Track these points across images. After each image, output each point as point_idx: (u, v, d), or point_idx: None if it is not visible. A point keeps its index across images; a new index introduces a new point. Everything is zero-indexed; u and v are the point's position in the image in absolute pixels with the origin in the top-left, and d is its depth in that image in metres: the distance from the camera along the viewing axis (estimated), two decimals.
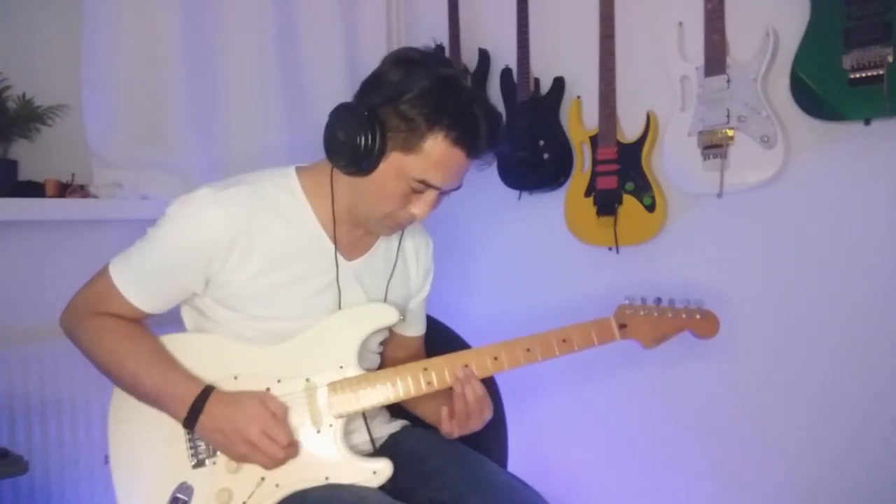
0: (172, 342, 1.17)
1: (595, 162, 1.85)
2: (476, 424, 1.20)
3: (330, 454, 1.14)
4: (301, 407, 1.15)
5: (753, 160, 1.56)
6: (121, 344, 1.13)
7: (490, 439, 1.38)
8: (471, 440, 1.27)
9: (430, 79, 1.05)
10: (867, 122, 1.43)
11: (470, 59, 2.20)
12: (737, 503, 1.73)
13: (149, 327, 1.19)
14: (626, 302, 1.28)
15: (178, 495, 1.11)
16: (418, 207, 1.12)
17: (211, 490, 1.12)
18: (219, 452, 1.13)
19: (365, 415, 1.23)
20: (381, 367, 1.30)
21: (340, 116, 1.10)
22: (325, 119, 1.13)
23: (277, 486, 1.12)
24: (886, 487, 1.49)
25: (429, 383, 1.19)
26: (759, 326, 1.67)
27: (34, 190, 1.74)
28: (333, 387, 1.16)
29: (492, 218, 2.21)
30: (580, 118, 1.94)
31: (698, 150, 1.63)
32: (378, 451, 1.25)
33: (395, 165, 1.07)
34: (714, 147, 1.60)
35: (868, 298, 1.51)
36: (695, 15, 1.66)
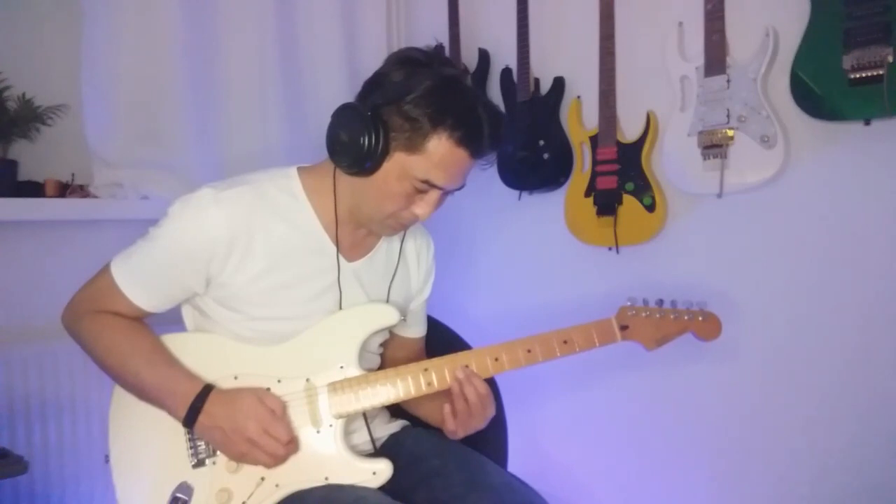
0: (173, 341, 1.17)
1: (595, 162, 1.85)
2: (479, 423, 1.20)
3: (330, 454, 1.14)
4: (301, 407, 1.15)
5: (753, 160, 1.56)
6: (122, 342, 1.13)
7: (490, 440, 1.38)
8: (471, 441, 1.27)
9: (434, 79, 1.05)
10: (867, 122, 1.43)
11: (470, 59, 2.20)
12: (736, 502, 1.73)
13: (151, 326, 1.19)
14: (628, 303, 1.28)
15: (178, 495, 1.11)
16: (421, 208, 1.12)
17: (211, 490, 1.12)
18: (219, 452, 1.13)
19: (365, 415, 1.23)
20: (381, 368, 1.30)
21: (343, 116, 1.09)
22: (325, 119, 1.13)
23: (277, 486, 1.12)
24: (888, 488, 1.49)
25: (429, 384, 1.19)
26: (759, 326, 1.67)
27: (34, 190, 1.75)
28: (334, 387, 1.16)
29: (492, 218, 2.21)
30: (580, 118, 1.94)
31: (698, 150, 1.63)
32: (378, 451, 1.25)
33: (399, 166, 1.07)
34: (714, 147, 1.61)
35: (868, 298, 1.51)
36: (695, 15, 1.66)
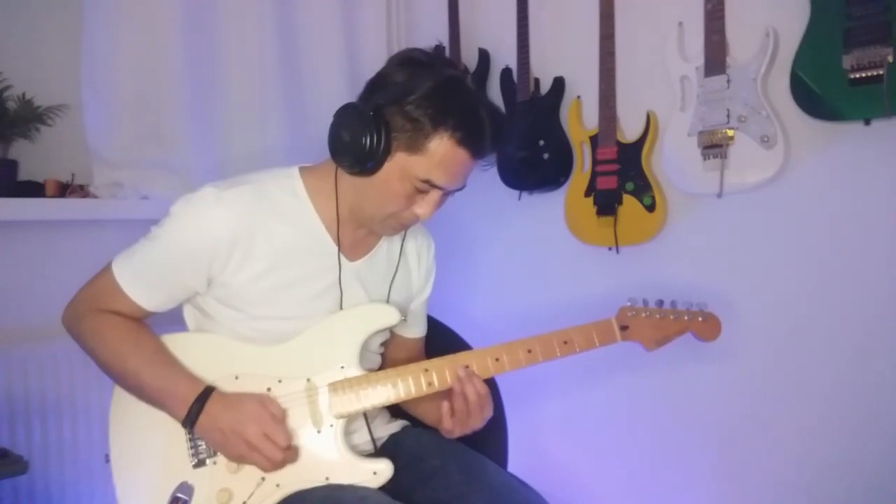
0: (174, 342, 1.17)
1: (595, 162, 1.85)
2: (477, 423, 1.20)
3: (330, 454, 1.14)
4: (302, 407, 1.15)
5: (753, 160, 1.56)
6: (123, 342, 1.13)
7: (490, 440, 1.38)
8: (471, 440, 1.27)
9: (435, 79, 1.06)
10: (867, 122, 1.43)
11: (470, 59, 2.20)
12: (736, 502, 1.73)
13: (151, 326, 1.19)
14: (628, 303, 1.28)
15: (179, 495, 1.11)
16: (422, 208, 1.12)
17: (211, 490, 1.12)
18: (219, 452, 1.13)
19: (366, 415, 1.23)
20: (381, 368, 1.30)
21: (345, 116, 1.10)
22: (325, 119, 1.13)
23: (278, 486, 1.12)
24: (888, 488, 1.49)
25: (429, 384, 1.19)
26: (759, 326, 1.67)
27: (34, 190, 1.74)
28: (334, 387, 1.16)
29: (492, 218, 2.21)
30: (580, 118, 1.94)
31: (698, 150, 1.63)
32: (378, 451, 1.25)
33: (400, 166, 1.08)
34: (714, 147, 1.61)
35: (868, 298, 1.51)
36: (695, 15, 1.66)
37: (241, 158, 2.01)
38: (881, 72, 1.36)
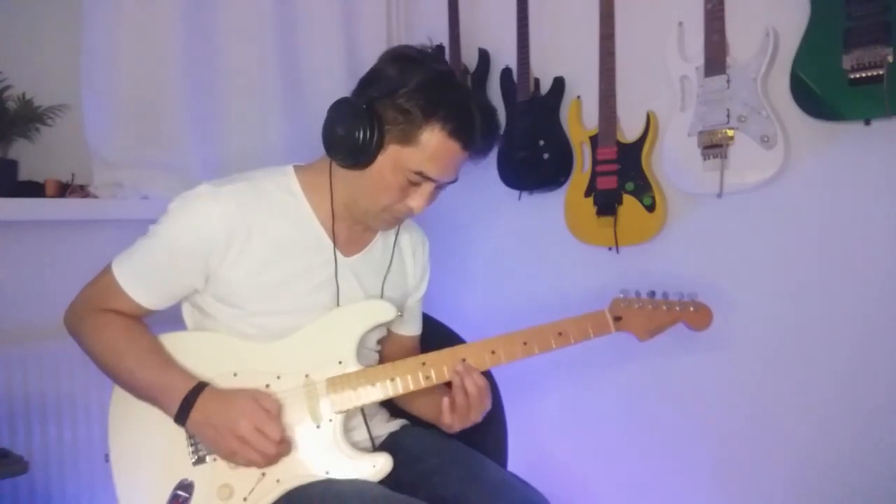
0: (172, 341, 1.18)
1: (595, 162, 1.85)
2: (476, 416, 1.20)
3: (330, 449, 1.15)
4: (300, 403, 1.15)
5: (753, 160, 1.56)
6: (119, 340, 1.14)
7: (490, 438, 1.38)
8: (471, 439, 1.27)
9: (427, 73, 1.08)
10: (867, 122, 1.43)
11: (470, 59, 2.20)
12: (735, 496, 1.73)
13: (150, 325, 1.19)
14: (621, 295, 1.30)
15: (179, 492, 1.12)
16: (415, 200, 1.14)
17: (212, 486, 1.12)
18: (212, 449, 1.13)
19: (364, 413, 1.24)
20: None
21: (339, 111, 1.12)
22: (324, 120, 1.14)
23: (278, 481, 1.12)
24: (886, 480, 1.49)
25: (427, 378, 1.20)
26: (759, 326, 1.67)
27: (34, 190, 1.75)
28: (332, 382, 1.17)
29: (492, 218, 2.21)
30: (580, 118, 1.94)
31: (698, 150, 1.63)
32: (377, 450, 1.25)
33: (393, 158, 1.10)
34: (714, 147, 1.61)
35: (868, 297, 1.51)
36: (695, 15, 1.66)
37: (240, 158, 2.01)
38: (881, 72, 1.36)
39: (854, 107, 1.42)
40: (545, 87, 2.01)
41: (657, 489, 1.88)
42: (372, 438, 1.25)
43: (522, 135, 2.00)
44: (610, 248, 1.87)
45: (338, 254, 1.22)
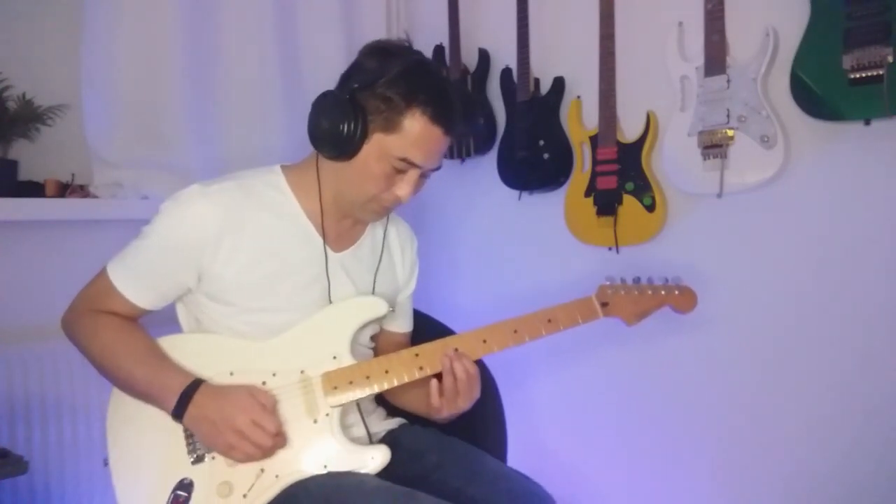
0: (169, 343, 1.19)
1: (595, 162, 1.85)
2: (464, 403, 1.21)
3: (328, 443, 1.16)
4: (297, 398, 1.17)
5: (753, 160, 1.56)
6: (115, 340, 1.15)
7: (489, 433, 1.39)
8: (470, 435, 1.28)
9: (405, 62, 1.12)
10: (867, 122, 1.43)
11: (470, 59, 2.20)
12: (735, 488, 1.73)
13: (147, 327, 1.20)
14: (607, 282, 1.32)
15: (179, 492, 1.12)
16: (402, 189, 1.16)
17: (211, 485, 1.12)
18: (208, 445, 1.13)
19: (361, 410, 1.25)
20: None
21: (323, 104, 1.14)
22: (308, 114, 1.17)
23: (277, 476, 1.13)
24: (883, 477, 1.50)
25: (421, 369, 1.21)
26: (759, 326, 1.67)
27: (34, 190, 1.75)
28: (328, 377, 1.18)
29: (492, 218, 2.21)
30: (580, 118, 1.94)
31: (698, 150, 1.63)
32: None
33: (378, 146, 1.12)
34: (714, 147, 1.61)
35: (868, 297, 1.51)
36: (695, 15, 1.66)
37: (240, 158, 2.01)
38: (881, 72, 1.36)
39: (854, 107, 1.42)
40: (545, 87, 2.01)
41: (655, 479, 1.88)
42: (369, 434, 1.26)
43: (522, 135, 2.00)
44: (610, 248, 1.87)
45: (328, 249, 1.24)
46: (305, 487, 1.12)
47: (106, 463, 1.16)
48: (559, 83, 1.98)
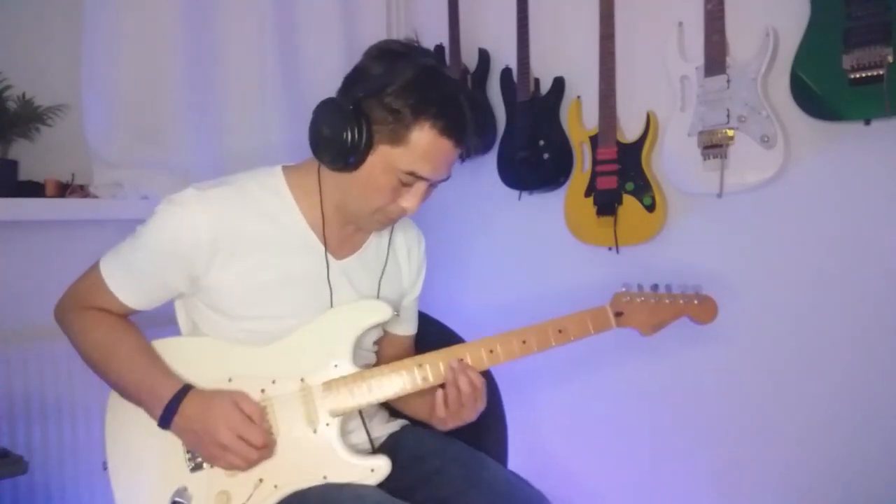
0: (167, 346, 1.17)
1: (595, 162, 1.85)
2: (470, 415, 1.18)
3: (327, 453, 1.14)
4: (296, 407, 1.14)
5: (753, 160, 1.56)
6: (106, 340, 1.14)
7: (490, 437, 1.38)
8: (471, 438, 1.27)
9: (414, 69, 1.04)
10: (867, 122, 1.43)
11: (470, 59, 2.20)
12: (737, 495, 1.73)
13: (144, 326, 1.19)
14: (623, 289, 1.26)
15: (177, 500, 1.11)
16: (408, 201, 1.11)
17: (209, 493, 1.11)
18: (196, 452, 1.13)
19: (363, 414, 1.23)
20: (375, 366, 1.29)
21: (325, 112, 1.08)
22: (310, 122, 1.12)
23: (276, 486, 1.12)
24: (888, 483, 1.50)
25: (424, 379, 1.18)
26: (759, 326, 1.67)
27: (34, 190, 1.75)
28: (328, 386, 1.15)
29: (492, 218, 2.21)
30: (580, 118, 1.94)
31: (698, 150, 1.63)
32: (377, 451, 1.25)
33: (383, 159, 1.06)
34: (714, 147, 1.60)
35: (868, 298, 1.51)
36: (695, 15, 1.66)
37: (241, 158, 2.01)
38: (881, 72, 1.36)
39: (854, 107, 1.42)
40: (545, 87, 2.01)
41: (658, 488, 1.88)
42: (371, 440, 1.24)
43: (522, 135, 2.00)
44: (610, 249, 1.87)
45: (329, 256, 1.19)
46: (304, 498, 1.11)
47: (105, 467, 1.16)
48: (559, 83, 1.98)
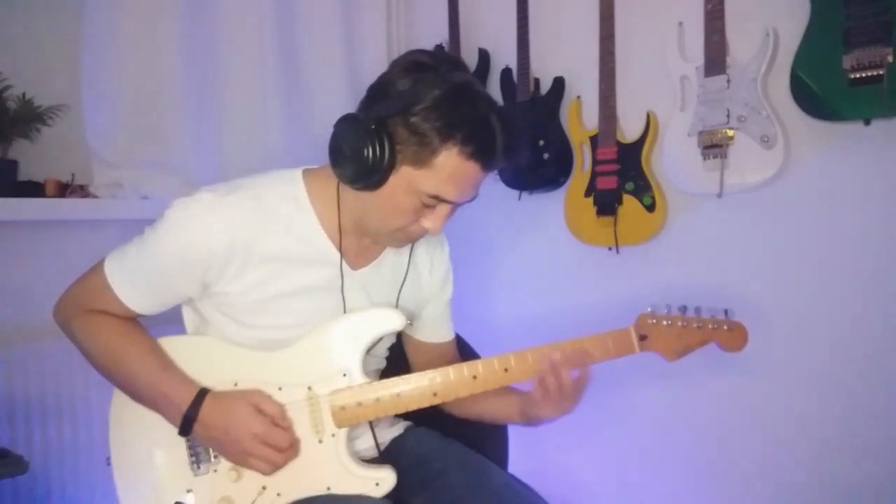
0: (172, 344, 1.15)
1: (595, 162, 1.85)
2: (568, 406, 1.14)
3: (332, 464, 1.11)
4: (303, 416, 1.12)
5: (753, 160, 1.56)
6: (116, 344, 1.11)
7: (491, 441, 1.38)
8: (472, 442, 1.26)
9: (442, 87, 0.97)
10: (867, 122, 1.43)
11: (470, 59, 2.20)
12: (737, 495, 1.73)
13: (149, 325, 1.18)
14: (650, 310, 1.18)
15: (180, 502, 1.11)
16: (431, 221, 1.06)
17: (212, 498, 1.11)
18: (220, 459, 1.12)
19: (370, 421, 1.20)
20: (408, 373, 1.22)
21: (346, 128, 1.03)
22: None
23: (279, 495, 1.11)
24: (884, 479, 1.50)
25: (435, 395, 1.13)
26: (759, 326, 1.65)
27: (34, 190, 1.74)
28: (336, 396, 1.12)
29: (492, 218, 2.21)
30: (580, 118, 1.94)
31: (698, 150, 1.63)
32: (382, 456, 1.23)
33: (406, 180, 1.01)
34: (714, 147, 1.60)
35: (868, 297, 1.51)
36: (695, 15, 1.66)
37: (241, 159, 2.01)
38: (881, 72, 1.36)
39: (854, 107, 1.42)
40: (545, 87, 2.01)
41: (659, 491, 1.88)
42: (378, 445, 1.22)
43: (522, 135, 2.00)
44: (610, 249, 1.87)
45: (345, 266, 1.15)
46: None
47: (108, 462, 1.15)
48: (559, 83, 1.98)
